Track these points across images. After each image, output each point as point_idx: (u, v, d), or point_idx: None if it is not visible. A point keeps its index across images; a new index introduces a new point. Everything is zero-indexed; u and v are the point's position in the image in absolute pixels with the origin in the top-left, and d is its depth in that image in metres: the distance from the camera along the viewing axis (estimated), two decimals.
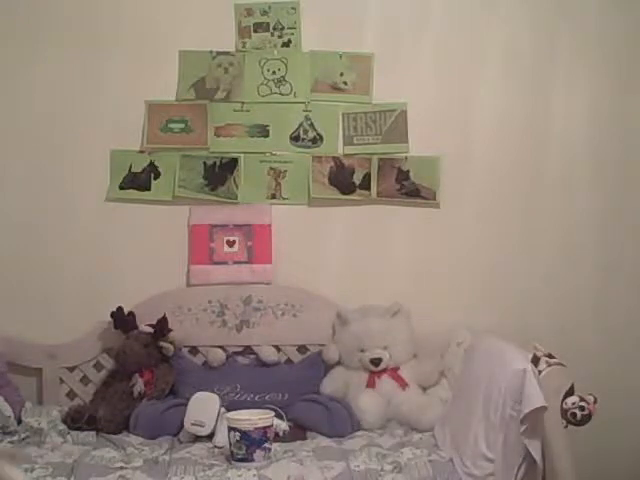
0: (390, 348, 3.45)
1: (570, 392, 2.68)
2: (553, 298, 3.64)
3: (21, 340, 3.50)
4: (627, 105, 3.65)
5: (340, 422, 3.26)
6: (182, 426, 3.19)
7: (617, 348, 3.62)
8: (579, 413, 2.64)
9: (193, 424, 3.15)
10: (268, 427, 2.91)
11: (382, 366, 3.44)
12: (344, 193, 3.65)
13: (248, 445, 2.86)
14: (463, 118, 3.64)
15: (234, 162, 3.63)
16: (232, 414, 2.97)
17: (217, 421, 3.12)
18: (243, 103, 3.63)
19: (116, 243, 3.59)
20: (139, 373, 3.41)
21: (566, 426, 2.68)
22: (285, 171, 3.64)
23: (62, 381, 3.53)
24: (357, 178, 3.64)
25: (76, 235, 3.58)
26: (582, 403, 2.65)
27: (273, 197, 3.65)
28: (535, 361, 2.75)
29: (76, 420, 3.25)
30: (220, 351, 3.54)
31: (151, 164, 3.62)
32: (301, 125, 3.64)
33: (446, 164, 3.62)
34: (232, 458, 2.89)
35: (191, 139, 3.62)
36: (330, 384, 3.45)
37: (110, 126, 3.58)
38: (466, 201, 3.65)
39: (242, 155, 3.63)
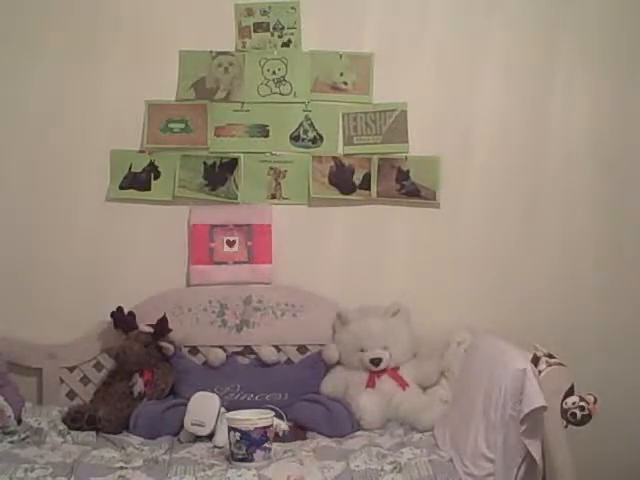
0: (390, 348, 3.45)
1: (570, 392, 2.68)
2: (553, 298, 3.64)
3: (21, 340, 3.50)
4: (627, 105, 3.66)
5: (340, 422, 3.26)
6: (182, 426, 3.19)
7: (617, 348, 3.62)
8: (579, 413, 2.64)
9: (193, 424, 3.15)
10: (268, 427, 2.90)
11: (382, 366, 3.44)
12: (344, 193, 3.65)
13: (248, 445, 2.86)
14: (463, 118, 3.64)
15: (234, 162, 3.63)
16: (232, 414, 2.97)
17: (217, 421, 3.12)
18: (243, 103, 3.63)
19: (116, 243, 3.60)
20: (139, 373, 3.41)
21: (566, 426, 2.68)
22: (285, 171, 3.64)
23: (62, 381, 3.53)
24: (357, 178, 3.64)
25: (76, 235, 3.58)
26: (582, 403, 2.65)
27: (273, 197, 3.65)
28: (535, 361, 2.75)
29: (76, 420, 3.25)
30: (220, 351, 3.54)
31: (151, 164, 3.63)
32: (301, 125, 3.64)
33: (446, 164, 3.62)
34: (232, 458, 2.89)
35: (191, 139, 3.62)
36: (330, 384, 3.45)
37: (110, 126, 3.58)
38: (466, 201, 3.65)
39: (242, 155, 3.63)
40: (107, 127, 3.58)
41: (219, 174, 3.63)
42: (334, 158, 3.64)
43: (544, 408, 2.60)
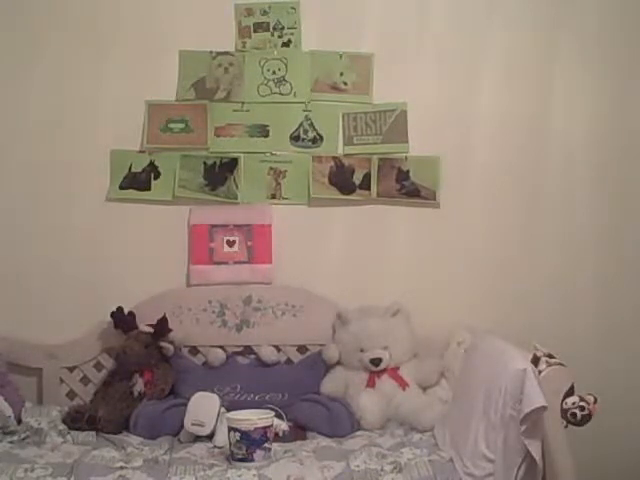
0: (390, 348, 3.45)
1: (570, 392, 2.68)
2: (553, 298, 3.64)
3: (21, 340, 3.50)
4: (627, 105, 3.65)
5: (340, 422, 3.26)
6: (182, 426, 3.19)
7: (617, 348, 3.61)
8: (579, 413, 2.64)
9: (193, 424, 3.16)
10: (268, 427, 2.90)
11: (382, 366, 3.44)
12: (344, 193, 3.65)
13: (248, 445, 2.86)
14: (463, 118, 3.64)
15: (234, 162, 3.63)
16: (232, 414, 2.97)
17: (217, 421, 3.12)
18: (243, 103, 3.63)
19: (116, 243, 3.60)
20: (139, 373, 3.41)
21: (566, 426, 2.68)
22: (285, 171, 3.64)
23: (62, 381, 3.53)
24: (357, 178, 3.64)
25: (76, 235, 3.58)
26: (582, 403, 2.65)
27: (273, 197, 3.65)
28: (535, 361, 2.75)
29: (76, 420, 3.25)
30: (220, 351, 3.54)
31: (151, 164, 3.62)
32: (301, 125, 3.64)
33: (446, 164, 3.62)
34: (232, 458, 2.89)
35: (191, 139, 3.62)
36: (330, 384, 3.45)
37: (110, 126, 3.58)
38: (466, 201, 3.65)
39: (242, 155, 3.63)
40: (107, 127, 3.58)
41: (219, 174, 3.63)
42: (334, 158, 3.64)
43: (544, 408, 2.60)
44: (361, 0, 3.63)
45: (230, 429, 2.90)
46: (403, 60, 3.63)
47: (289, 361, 3.59)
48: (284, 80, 3.63)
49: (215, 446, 3.06)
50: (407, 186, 3.64)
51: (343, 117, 3.64)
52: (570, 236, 3.65)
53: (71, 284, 3.58)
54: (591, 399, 2.66)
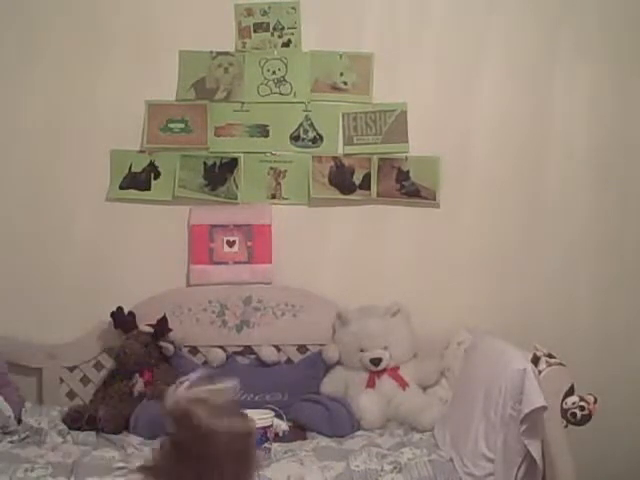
0: (390, 348, 3.45)
1: (570, 392, 2.68)
2: (553, 298, 3.64)
3: (21, 340, 3.50)
4: (627, 105, 3.65)
5: (340, 422, 3.26)
6: None
7: (617, 348, 3.62)
8: (579, 413, 2.65)
9: None
10: (268, 427, 2.91)
11: (382, 366, 3.44)
12: (344, 193, 3.65)
13: None
14: (463, 118, 3.64)
15: (234, 162, 3.63)
16: None
17: None
18: (243, 103, 3.63)
19: (116, 243, 3.60)
20: (139, 373, 3.41)
21: (566, 426, 2.68)
22: (285, 171, 3.64)
23: (62, 381, 3.53)
24: (357, 178, 3.64)
25: (76, 235, 3.58)
26: (582, 403, 2.65)
27: (273, 197, 3.65)
28: (535, 361, 2.75)
29: (76, 420, 3.25)
30: (220, 351, 3.54)
31: (151, 164, 3.62)
32: (301, 125, 3.64)
33: (446, 164, 3.62)
34: None
35: (191, 139, 3.62)
36: (330, 384, 3.45)
37: (110, 126, 3.58)
38: (466, 201, 3.65)
39: (242, 155, 3.63)
40: (107, 127, 3.58)
41: (219, 174, 3.63)
42: (334, 158, 3.64)
43: (544, 408, 2.60)
44: (361, 0, 3.63)
45: None
46: (403, 60, 3.63)
47: (289, 361, 3.59)
48: (284, 80, 3.63)
49: None
50: (407, 186, 3.64)
51: (343, 117, 3.64)
52: (570, 236, 3.65)
53: (71, 284, 3.57)
54: (591, 399, 2.66)
